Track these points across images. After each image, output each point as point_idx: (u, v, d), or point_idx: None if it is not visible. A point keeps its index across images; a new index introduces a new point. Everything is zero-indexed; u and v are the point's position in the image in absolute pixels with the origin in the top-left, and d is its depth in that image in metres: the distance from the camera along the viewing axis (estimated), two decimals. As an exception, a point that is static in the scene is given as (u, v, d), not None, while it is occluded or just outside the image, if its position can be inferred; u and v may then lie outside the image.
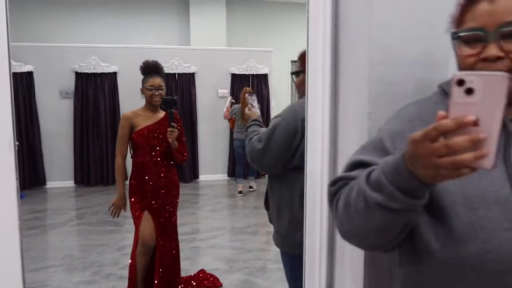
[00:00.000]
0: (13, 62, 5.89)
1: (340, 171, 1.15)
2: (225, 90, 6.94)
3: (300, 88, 1.69)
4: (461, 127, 0.55)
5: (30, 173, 6.32)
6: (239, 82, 6.95)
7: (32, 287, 3.02)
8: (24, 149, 6.23)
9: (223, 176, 7.05)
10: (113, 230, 4.36)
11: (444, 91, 0.83)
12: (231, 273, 3.24)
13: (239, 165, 6.03)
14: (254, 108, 1.90)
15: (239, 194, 5.96)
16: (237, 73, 6.94)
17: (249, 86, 6.82)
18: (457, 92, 0.56)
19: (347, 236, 0.80)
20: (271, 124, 1.64)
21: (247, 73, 6.96)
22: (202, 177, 6.97)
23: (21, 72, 6.19)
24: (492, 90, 0.55)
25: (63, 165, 6.56)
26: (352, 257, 1.06)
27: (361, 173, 0.75)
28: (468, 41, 0.74)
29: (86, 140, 6.54)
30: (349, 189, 0.76)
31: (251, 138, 1.70)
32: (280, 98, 7.96)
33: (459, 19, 0.77)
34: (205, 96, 6.91)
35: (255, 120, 1.84)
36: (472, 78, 0.55)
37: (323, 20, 1.14)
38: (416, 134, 0.58)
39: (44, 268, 3.39)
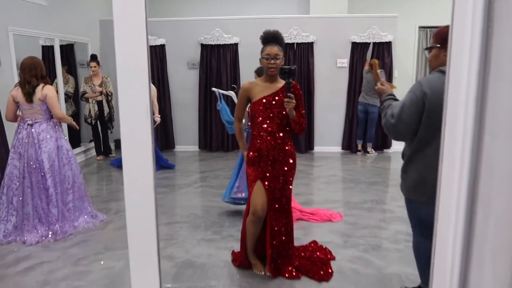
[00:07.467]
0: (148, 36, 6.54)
1: (484, 155, 0.99)
2: (344, 60, 6.67)
3: (432, 62, 1.93)
4: None
5: (162, 137, 7.03)
6: (359, 51, 6.61)
7: (164, 239, 3.39)
8: (157, 115, 6.93)
9: (337, 149, 6.92)
10: (231, 194, 4.63)
11: None
12: (345, 248, 3.19)
13: (360, 128, 6.63)
14: (386, 84, 2.09)
15: (359, 152, 6.73)
16: (358, 41, 6.58)
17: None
18: None
19: None
20: (403, 99, 1.90)
21: (368, 41, 6.56)
22: (317, 149, 6.93)
23: (155, 46, 6.80)
24: None
25: (189, 131, 7.14)
26: (496, 246, 0.93)
27: None
28: None
29: (209, 109, 6.97)
30: None
31: (386, 113, 1.95)
32: (405, 67, 7.40)
33: None
34: (323, 66, 6.74)
35: (390, 94, 2.06)
36: None
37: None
38: None
39: (173, 223, 3.77)
